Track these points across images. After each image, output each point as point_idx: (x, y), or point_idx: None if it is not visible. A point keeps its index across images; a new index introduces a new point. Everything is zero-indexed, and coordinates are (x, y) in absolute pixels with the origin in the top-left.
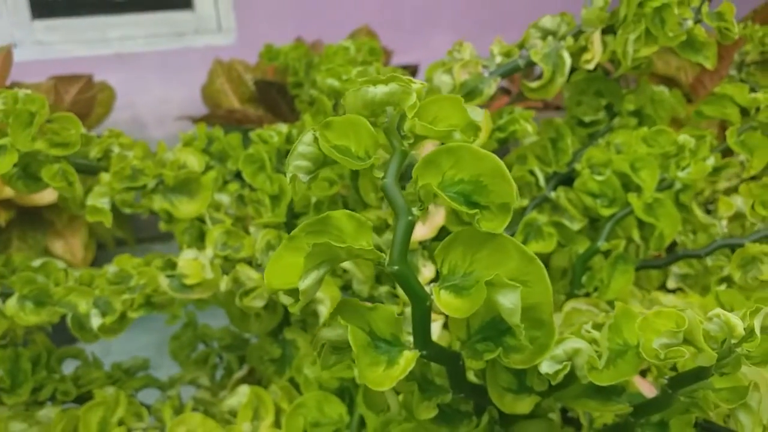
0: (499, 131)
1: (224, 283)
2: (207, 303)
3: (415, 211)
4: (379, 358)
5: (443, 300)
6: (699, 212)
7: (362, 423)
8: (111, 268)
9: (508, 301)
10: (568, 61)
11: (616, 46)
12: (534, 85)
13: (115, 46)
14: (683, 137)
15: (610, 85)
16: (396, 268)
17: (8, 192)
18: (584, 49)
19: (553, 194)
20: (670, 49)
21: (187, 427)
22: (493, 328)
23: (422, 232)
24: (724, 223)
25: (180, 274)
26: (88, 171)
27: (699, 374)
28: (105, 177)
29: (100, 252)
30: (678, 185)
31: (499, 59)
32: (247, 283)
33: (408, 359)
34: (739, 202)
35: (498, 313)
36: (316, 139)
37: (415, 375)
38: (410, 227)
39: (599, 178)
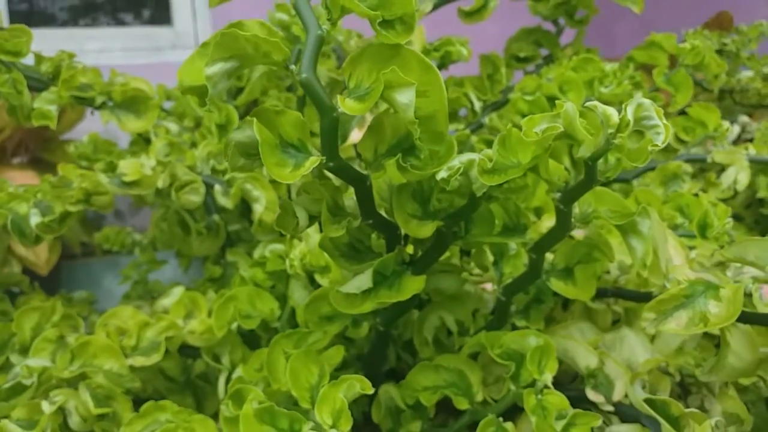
0: (435, 51)
1: (161, 180)
2: (160, 264)
3: (323, 26)
4: (287, 161)
5: (347, 104)
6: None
7: (293, 316)
8: (54, 177)
9: (405, 98)
10: None
11: None
12: (468, 8)
13: (93, 57)
14: (609, 65)
15: (548, 36)
16: (304, 76)
17: None
18: None
19: (486, 119)
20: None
21: (119, 320)
22: (397, 148)
23: (356, 136)
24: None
25: (120, 173)
26: (38, 88)
27: (585, 184)
28: (54, 88)
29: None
30: None
31: None
32: (183, 178)
33: (312, 161)
34: None
35: (402, 135)
36: None
37: (327, 201)
38: (319, 41)
39: (529, 98)
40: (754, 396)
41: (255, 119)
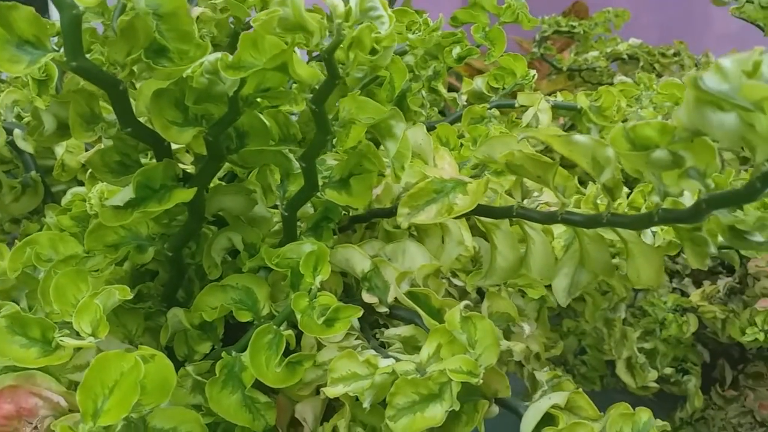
0: None
1: None
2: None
3: None
4: (21, 57)
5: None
6: (443, 90)
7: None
8: None
9: None
10: None
11: None
12: None
13: None
14: (425, 16)
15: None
16: None
17: None
18: None
19: None
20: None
21: None
22: (149, 52)
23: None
24: (464, 97)
25: None
26: None
27: (329, 80)
28: None
29: None
30: (430, 72)
31: None
32: None
33: (49, 57)
34: (479, 82)
35: (154, 38)
36: None
37: (76, 106)
38: None
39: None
40: (591, 340)
41: None
